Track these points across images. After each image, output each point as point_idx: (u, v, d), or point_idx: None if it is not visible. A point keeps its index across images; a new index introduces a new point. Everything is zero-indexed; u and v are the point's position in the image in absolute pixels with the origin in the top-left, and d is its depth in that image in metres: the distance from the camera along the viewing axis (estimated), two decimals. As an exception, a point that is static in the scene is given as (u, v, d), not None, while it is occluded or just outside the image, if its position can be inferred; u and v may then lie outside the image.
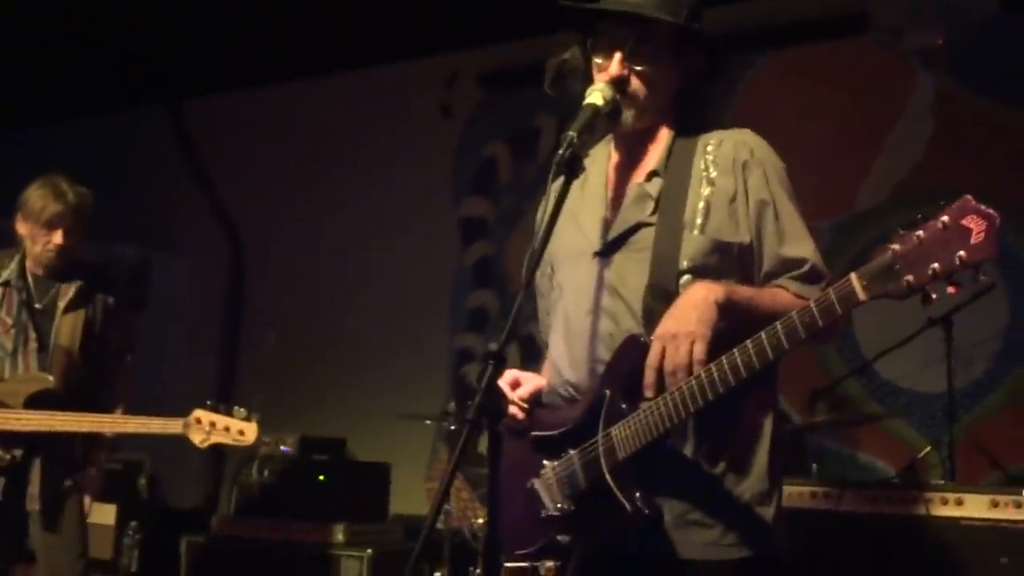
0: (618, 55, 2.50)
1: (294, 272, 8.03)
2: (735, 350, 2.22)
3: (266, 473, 6.26)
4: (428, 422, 6.38)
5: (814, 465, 5.14)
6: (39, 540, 4.53)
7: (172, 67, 7.88)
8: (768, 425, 2.51)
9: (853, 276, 2.06)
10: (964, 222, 1.95)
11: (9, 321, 4.53)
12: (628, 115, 2.53)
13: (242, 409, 4.30)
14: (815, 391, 5.55)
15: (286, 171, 8.17)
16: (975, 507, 3.97)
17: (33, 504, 4.44)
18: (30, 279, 4.58)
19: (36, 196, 4.50)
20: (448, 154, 7.62)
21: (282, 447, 6.36)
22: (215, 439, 4.29)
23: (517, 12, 6.78)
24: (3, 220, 5.11)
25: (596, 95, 2.47)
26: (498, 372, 2.21)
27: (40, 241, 4.51)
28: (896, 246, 2.02)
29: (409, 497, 6.55)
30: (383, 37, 7.36)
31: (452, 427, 5.46)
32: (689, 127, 2.59)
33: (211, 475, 7.82)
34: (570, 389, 2.58)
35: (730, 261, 2.48)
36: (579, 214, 2.56)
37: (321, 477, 6.10)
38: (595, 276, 2.54)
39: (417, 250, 7.56)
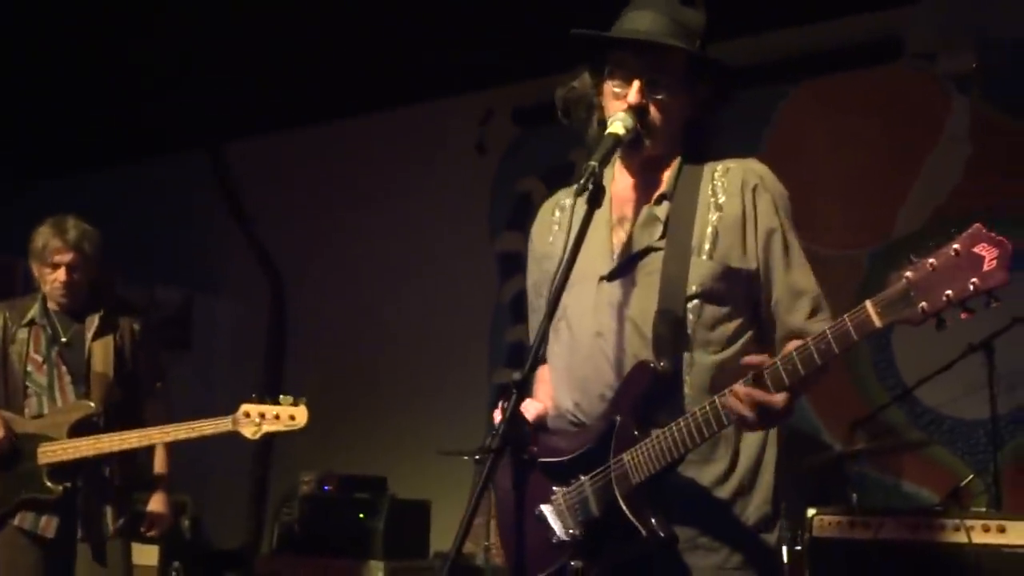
0: (637, 84, 2.52)
1: (334, 310, 8.07)
2: (750, 378, 2.24)
3: (307, 512, 6.28)
4: (467, 458, 6.36)
5: (854, 495, 5.08)
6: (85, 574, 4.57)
7: (211, 111, 7.99)
8: (773, 451, 2.54)
9: (868, 303, 2.09)
10: (976, 249, 1.98)
11: (39, 358, 4.60)
12: (647, 143, 2.55)
13: (288, 396, 4.34)
14: (856, 420, 5.50)
15: (324, 210, 8.24)
16: (1017, 534, 3.93)
17: (91, 536, 4.49)
18: (53, 316, 4.65)
19: (39, 235, 4.59)
20: (484, 190, 7.65)
21: (323, 486, 6.38)
22: (267, 428, 4.31)
23: (549, 48, 6.83)
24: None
25: (617, 124, 2.47)
26: (520, 401, 2.22)
27: (48, 280, 4.60)
28: (910, 273, 2.04)
29: (450, 534, 6.50)
30: (418, 76, 7.42)
31: (476, 458, 5.46)
32: (697, 154, 2.62)
33: (253, 515, 7.85)
34: (577, 414, 2.59)
35: (737, 287, 2.51)
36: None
37: (362, 515, 6.10)
38: (603, 300, 2.55)
39: (455, 287, 7.59)
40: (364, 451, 7.20)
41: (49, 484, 4.42)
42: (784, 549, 4.60)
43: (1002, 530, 3.95)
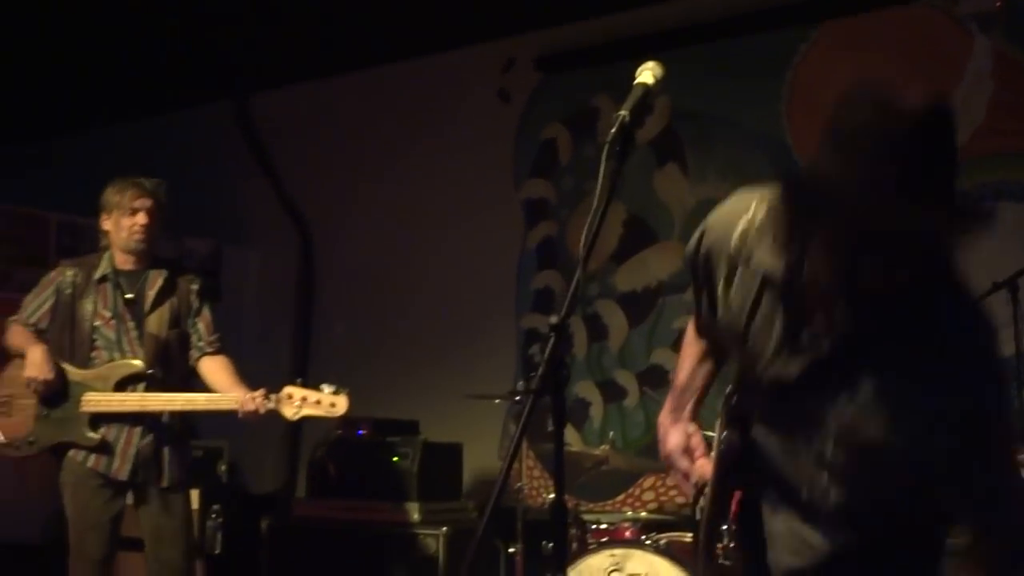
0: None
1: (361, 260, 8.15)
2: None
3: (341, 456, 6.39)
4: (497, 401, 6.49)
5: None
6: (153, 522, 4.74)
7: (236, 63, 8.03)
8: None
9: None
10: None
11: (108, 314, 4.76)
12: None
13: (331, 385, 4.57)
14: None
15: (350, 161, 8.30)
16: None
17: (162, 481, 4.70)
18: (120, 273, 4.82)
19: (115, 190, 4.80)
20: (508, 138, 7.66)
21: (357, 430, 6.49)
22: (307, 411, 4.55)
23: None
24: (78, 218, 5.29)
25: (647, 74, 2.32)
26: (558, 344, 2.24)
27: (126, 227, 4.75)
28: None
29: (481, 476, 6.68)
30: (440, 26, 7.44)
31: (518, 400, 5.56)
32: None
33: (288, 460, 7.99)
34: None
35: None
36: None
37: (395, 458, 6.20)
38: None
39: (481, 234, 7.64)
40: (396, 396, 7.30)
41: (89, 433, 4.60)
42: None
43: None
